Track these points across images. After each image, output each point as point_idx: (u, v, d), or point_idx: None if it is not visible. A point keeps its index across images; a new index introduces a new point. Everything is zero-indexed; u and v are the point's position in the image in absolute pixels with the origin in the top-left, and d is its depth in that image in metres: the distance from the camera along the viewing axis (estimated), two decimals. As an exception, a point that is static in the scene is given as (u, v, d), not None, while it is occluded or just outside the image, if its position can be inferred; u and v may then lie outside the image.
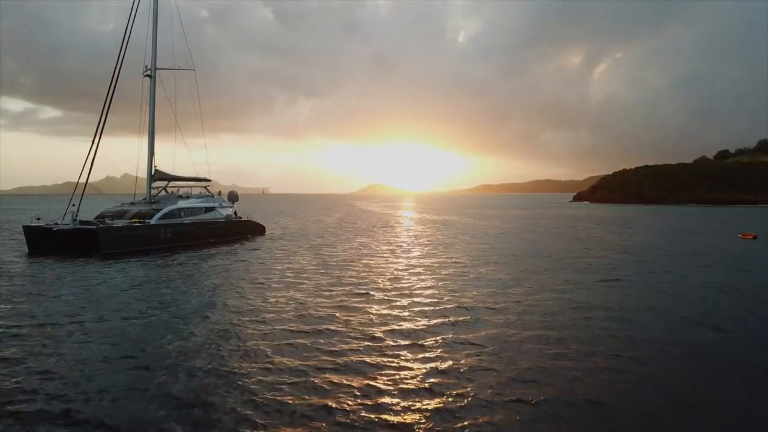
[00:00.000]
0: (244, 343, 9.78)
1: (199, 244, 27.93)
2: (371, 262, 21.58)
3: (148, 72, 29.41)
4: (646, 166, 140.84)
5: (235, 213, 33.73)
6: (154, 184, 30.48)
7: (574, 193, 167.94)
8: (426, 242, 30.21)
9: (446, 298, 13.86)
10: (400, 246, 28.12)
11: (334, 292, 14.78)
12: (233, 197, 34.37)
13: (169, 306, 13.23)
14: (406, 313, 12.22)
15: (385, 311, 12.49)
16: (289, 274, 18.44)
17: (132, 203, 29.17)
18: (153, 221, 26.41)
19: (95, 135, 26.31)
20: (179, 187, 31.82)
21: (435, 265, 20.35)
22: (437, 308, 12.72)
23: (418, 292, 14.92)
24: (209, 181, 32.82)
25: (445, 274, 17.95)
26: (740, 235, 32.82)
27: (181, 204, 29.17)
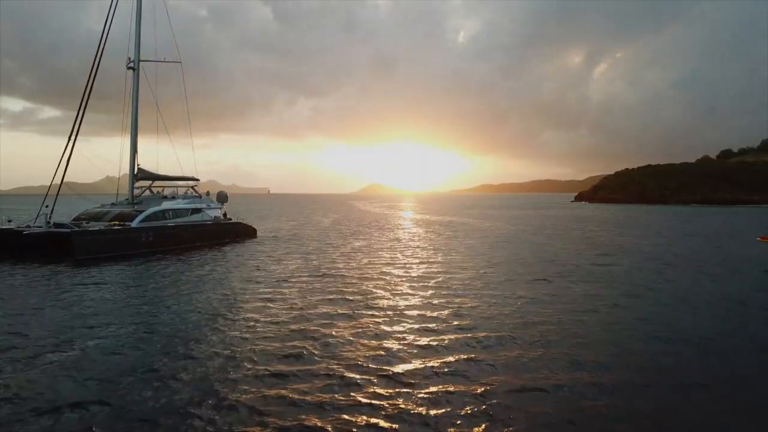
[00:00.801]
0: (223, 362, 8.19)
1: (185, 247, 26.19)
2: (366, 269, 19.78)
3: (131, 64, 27.68)
4: (649, 165, 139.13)
5: (225, 214, 31.95)
6: (138, 184, 28.74)
7: (575, 193, 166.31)
8: (426, 246, 28.40)
9: (449, 314, 12.05)
10: (399, 251, 26.32)
11: (319, 310, 12.97)
12: (222, 198, 32.58)
13: (143, 320, 11.56)
14: (404, 331, 10.43)
15: (379, 330, 10.70)
16: (274, 283, 16.67)
17: (113, 204, 27.41)
18: (134, 224, 24.65)
19: (71, 132, 24.58)
20: (164, 186, 30.05)
21: (437, 273, 18.50)
22: (440, 327, 10.92)
23: (417, 306, 13.13)
24: (197, 180, 31.05)
25: (448, 285, 16.07)
26: (759, 239, 31.09)
27: (166, 205, 27.41)
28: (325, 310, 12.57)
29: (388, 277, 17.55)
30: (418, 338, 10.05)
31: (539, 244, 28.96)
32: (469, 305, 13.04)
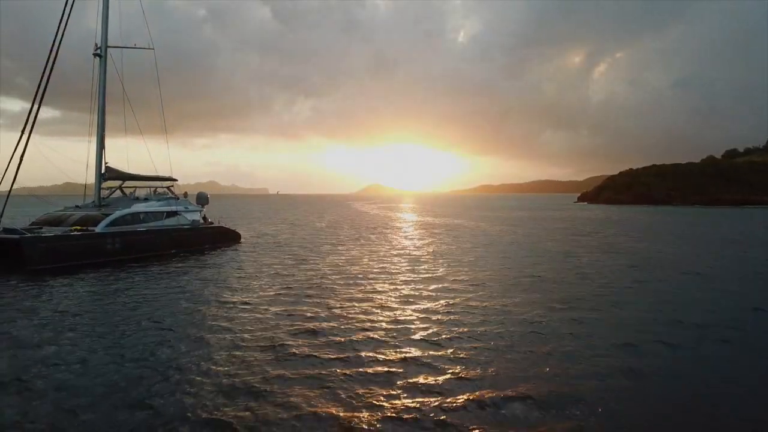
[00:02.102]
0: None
1: (158, 255, 23.33)
2: (358, 284, 16.84)
3: (98, 51, 24.76)
4: (654, 165, 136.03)
5: (205, 218, 29.00)
6: (106, 184, 25.81)
7: (575, 194, 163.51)
8: (428, 254, 25.42)
9: (468, 371, 9.08)
10: (397, 259, 23.37)
11: (299, 340, 10.03)
12: (202, 199, 29.61)
13: (100, 345, 9.68)
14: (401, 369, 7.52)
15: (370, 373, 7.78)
16: (254, 300, 13.86)
17: (77, 207, 24.47)
18: (98, 229, 21.76)
19: (24, 126, 21.64)
20: (136, 187, 27.08)
21: (441, 292, 15.53)
22: (451, 376, 8.00)
23: (419, 335, 10.20)
24: (174, 180, 28.08)
25: (456, 309, 13.10)
26: None
27: (137, 207, 24.49)
28: (301, 344, 9.64)
29: (383, 299, 14.57)
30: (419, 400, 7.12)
31: (556, 253, 25.92)
32: (502, 364, 9.25)
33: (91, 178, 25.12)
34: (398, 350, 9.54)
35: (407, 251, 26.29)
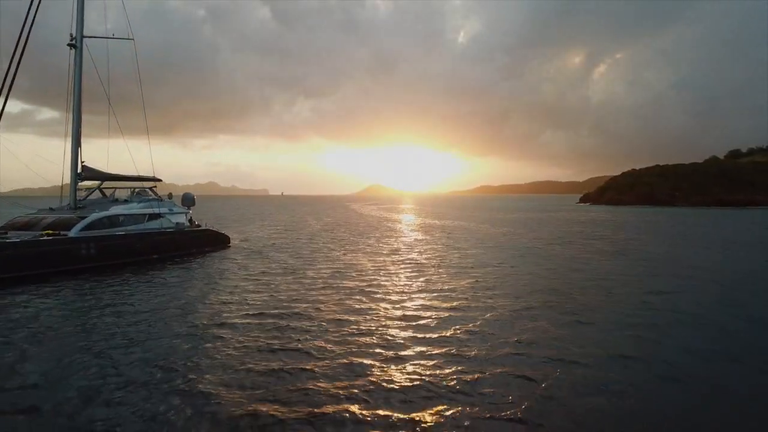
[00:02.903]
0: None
1: (138, 261, 21.64)
2: (353, 297, 15.08)
3: (73, 41, 22.99)
4: (657, 165, 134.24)
5: (191, 220, 27.21)
6: (83, 185, 24.06)
7: (575, 194, 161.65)
8: (429, 263, 23.64)
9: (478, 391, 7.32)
10: (396, 268, 21.60)
11: (285, 365, 8.27)
12: (188, 201, 27.78)
13: (63, 365, 8.58)
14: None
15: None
16: (238, 313, 12.16)
17: (52, 209, 22.71)
18: (72, 233, 20.02)
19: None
20: (116, 188, 25.28)
21: (449, 312, 13.73)
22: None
23: (422, 365, 8.43)
24: (158, 180, 26.26)
25: (466, 341, 11.24)
26: None
27: (115, 210, 22.72)
28: (289, 370, 7.91)
29: (379, 317, 12.78)
30: None
31: (570, 259, 24.09)
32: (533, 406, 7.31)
33: (67, 179, 23.40)
34: (394, 390, 7.76)
35: (408, 261, 24.49)
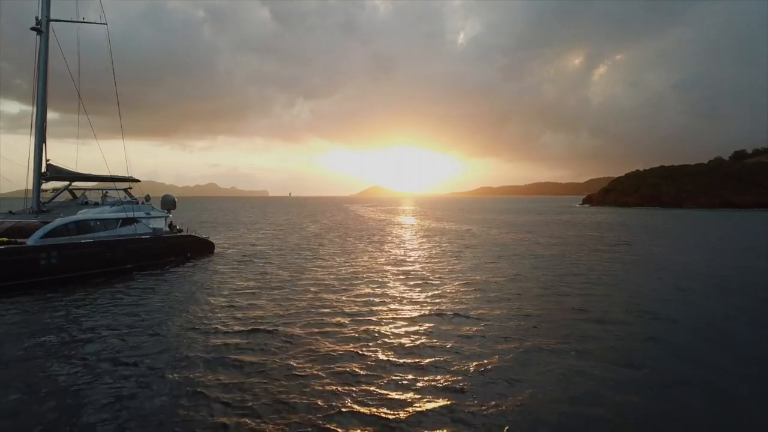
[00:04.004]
0: None
1: (110, 272, 19.29)
2: (349, 317, 12.68)
3: (38, 25, 20.60)
4: (662, 166, 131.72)
5: (171, 225, 24.79)
6: (47, 186, 21.63)
7: (576, 196, 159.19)
8: (437, 272, 21.25)
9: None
10: (397, 281, 19.21)
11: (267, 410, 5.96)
12: (168, 204, 25.29)
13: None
14: None
15: None
16: (212, 340, 9.97)
17: (12, 213, 20.32)
18: (31, 241, 17.59)
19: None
20: (86, 189, 22.83)
21: (461, 337, 11.34)
22: None
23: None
24: (135, 181, 23.79)
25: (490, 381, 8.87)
26: None
27: (84, 214, 20.30)
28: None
29: (380, 344, 10.37)
30: None
31: (595, 273, 21.75)
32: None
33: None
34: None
35: (409, 272, 22.09)
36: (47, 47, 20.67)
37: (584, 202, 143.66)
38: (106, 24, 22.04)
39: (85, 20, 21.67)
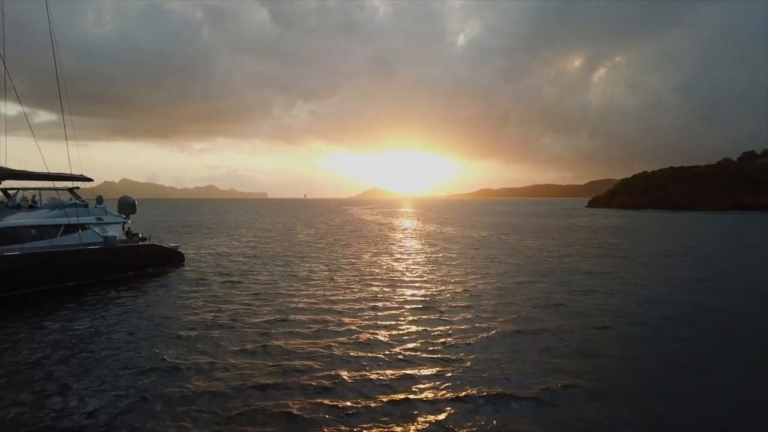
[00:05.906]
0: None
1: (48, 290, 15.45)
2: (340, 348, 8.62)
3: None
4: (671, 167, 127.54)
5: (129, 232, 20.68)
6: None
7: (577, 197, 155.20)
8: (443, 289, 17.16)
9: None
10: (397, 300, 15.14)
11: None
12: (127, 207, 21.06)
13: None
14: None
15: None
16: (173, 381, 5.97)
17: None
18: (-66, 254, 13.58)
19: None
20: (21, 189, 18.69)
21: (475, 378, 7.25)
22: None
23: None
24: (88, 180, 19.60)
25: None
26: None
27: (12, 220, 16.30)
28: None
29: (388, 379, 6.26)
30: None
31: (640, 288, 17.70)
32: None
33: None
34: None
35: (413, 290, 18.00)
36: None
37: (590, 204, 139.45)
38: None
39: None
